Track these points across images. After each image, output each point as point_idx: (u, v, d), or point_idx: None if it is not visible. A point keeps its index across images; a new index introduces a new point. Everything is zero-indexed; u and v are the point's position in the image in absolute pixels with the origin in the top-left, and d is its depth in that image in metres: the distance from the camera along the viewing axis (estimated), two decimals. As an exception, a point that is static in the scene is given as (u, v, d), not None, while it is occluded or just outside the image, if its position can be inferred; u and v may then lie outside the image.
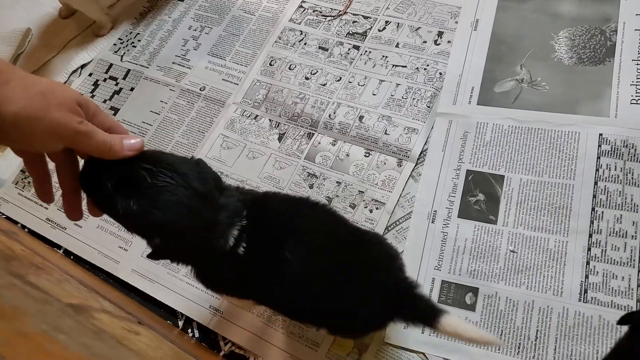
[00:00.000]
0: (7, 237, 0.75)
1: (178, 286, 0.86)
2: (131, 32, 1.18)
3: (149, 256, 0.55)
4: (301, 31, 1.07)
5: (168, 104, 1.06)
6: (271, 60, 1.06)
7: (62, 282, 0.63)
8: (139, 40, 1.16)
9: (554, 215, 0.76)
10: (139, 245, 0.91)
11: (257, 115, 1.00)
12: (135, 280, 0.88)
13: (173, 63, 1.11)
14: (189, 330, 0.82)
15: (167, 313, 0.85)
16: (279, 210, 0.62)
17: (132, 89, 1.10)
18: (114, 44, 1.17)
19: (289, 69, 1.04)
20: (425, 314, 0.59)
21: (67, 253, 0.93)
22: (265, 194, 0.66)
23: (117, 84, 1.11)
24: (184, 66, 1.10)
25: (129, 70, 1.12)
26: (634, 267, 0.70)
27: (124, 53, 1.15)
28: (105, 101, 1.10)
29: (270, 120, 0.99)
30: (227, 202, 0.57)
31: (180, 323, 0.84)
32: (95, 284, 0.81)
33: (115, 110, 1.08)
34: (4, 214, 1.01)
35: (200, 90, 1.06)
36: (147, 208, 0.51)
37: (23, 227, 0.98)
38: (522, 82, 0.90)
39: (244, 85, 1.04)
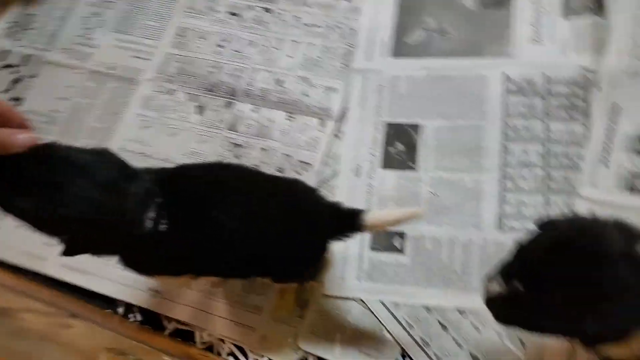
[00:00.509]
0: None
1: (114, 273, 0.83)
2: (24, 14, 1.09)
3: (64, 253, 0.53)
4: (208, -2, 1.04)
5: (76, 88, 1.00)
6: (182, 32, 1.02)
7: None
8: (35, 22, 1.08)
9: (468, 155, 0.80)
10: (66, 238, 0.87)
11: (172, 90, 0.97)
12: (67, 274, 0.84)
13: (76, 44, 1.04)
14: (130, 316, 0.81)
15: (106, 303, 0.82)
16: (195, 177, 0.62)
17: (33, 76, 1.02)
18: (7, 28, 1.08)
19: (201, 38, 1.00)
20: (350, 222, 0.61)
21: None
22: (178, 167, 0.65)
23: (17, 72, 1.03)
24: (89, 46, 1.03)
25: (28, 56, 1.04)
26: (542, 194, 0.76)
27: (20, 38, 1.07)
28: (6, 91, 1.02)
29: (188, 93, 0.96)
30: (136, 186, 0.55)
31: (121, 310, 0.82)
32: (20, 285, 0.77)
33: (19, 100, 1.01)
34: None
35: (109, 69, 1.00)
36: (47, 205, 0.49)
37: None
38: (431, 30, 0.92)
39: (156, 60, 1.00)
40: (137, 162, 0.87)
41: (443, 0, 0.94)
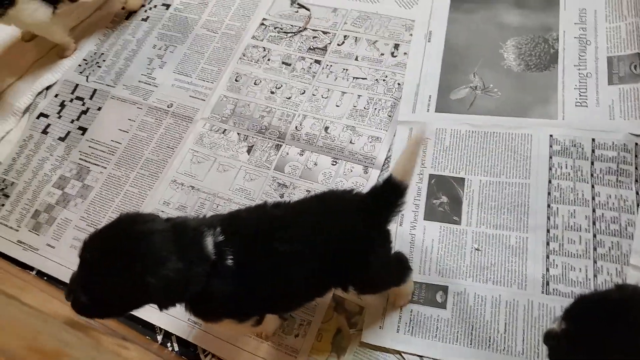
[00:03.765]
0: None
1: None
2: (95, 53, 1.12)
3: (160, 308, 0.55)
4: (264, 47, 1.04)
5: (136, 122, 1.00)
6: (237, 76, 1.02)
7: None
8: (104, 60, 1.10)
9: (513, 213, 0.76)
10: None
11: (225, 130, 0.96)
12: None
13: (139, 82, 1.05)
14: (168, 345, 0.77)
15: (145, 328, 0.79)
16: (250, 216, 0.63)
17: (99, 109, 1.03)
18: (79, 65, 1.11)
19: (255, 84, 1.00)
20: (385, 188, 0.61)
21: (41, 274, 0.87)
22: (231, 212, 0.66)
23: (83, 104, 1.05)
24: (150, 84, 1.04)
25: (95, 90, 1.06)
26: (589, 258, 0.70)
27: (90, 73, 1.09)
28: (72, 121, 1.03)
29: (238, 133, 0.95)
30: (194, 241, 0.56)
31: (159, 337, 0.78)
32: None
33: (84, 130, 1.01)
34: (-29, 239, 0.93)
35: (167, 107, 1.01)
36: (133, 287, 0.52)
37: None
38: (476, 89, 0.89)
39: (211, 101, 1.00)
40: (187, 194, 0.87)
41: (488, 60, 0.91)
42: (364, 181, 0.85)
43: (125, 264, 0.52)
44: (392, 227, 0.78)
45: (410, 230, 0.78)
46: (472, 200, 0.78)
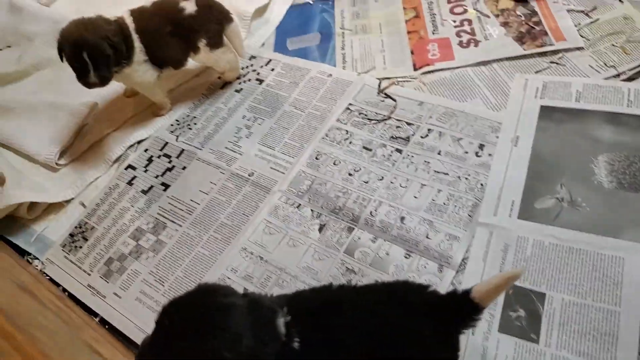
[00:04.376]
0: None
1: None
2: (188, 115, 1.21)
3: None
4: (347, 130, 1.09)
5: (217, 186, 1.05)
6: (317, 155, 1.06)
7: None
8: (195, 124, 1.18)
9: (599, 341, 0.71)
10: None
11: (300, 205, 0.99)
12: None
13: (225, 148, 1.11)
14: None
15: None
16: (315, 296, 0.64)
17: (184, 168, 1.10)
18: (171, 124, 1.20)
19: (334, 164, 1.03)
20: (463, 303, 0.60)
21: (103, 322, 0.89)
22: (297, 292, 0.68)
23: (170, 162, 1.12)
24: (235, 152, 1.10)
25: (182, 150, 1.13)
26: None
27: (180, 134, 1.17)
28: (157, 176, 1.10)
29: (312, 210, 0.97)
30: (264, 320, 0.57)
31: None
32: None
33: (166, 187, 1.07)
34: (48, 276, 0.97)
35: (248, 175, 1.05)
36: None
37: (64, 290, 0.95)
38: (563, 200, 0.88)
39: (290, 174, 1.04)
40: (254, 264, 0.88)
41: (577, 173, 0.90)
42: (437, 280, 0.83)
43: (204, 336, 0.53)
44: (464, 336, 0.76)
45: (482, 342, 0.75)
46: (552, 319, 0.75)
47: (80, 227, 1.04)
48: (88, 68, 0.98)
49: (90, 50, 0.97)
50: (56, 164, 1.14)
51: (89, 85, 1.01)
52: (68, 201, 1.10)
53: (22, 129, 1.21)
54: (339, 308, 0.61)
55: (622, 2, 1.16)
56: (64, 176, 1.14)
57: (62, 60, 1.01)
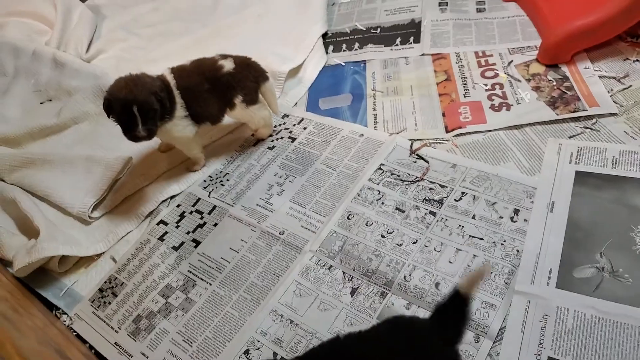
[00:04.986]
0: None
1: None
2: (221, 172, 1.24)
3: None
4: (379, 191, 1.10)
5: (247, 244, 1.06)
6: (349, 214, 1.07)
7: None
8: (228, 180, 1.21)
9: None
10: (202, 388, 0.85)
11: (331, 266, 0.99)
12: None
13: (257, 205, 1.14)
14: None
15: None
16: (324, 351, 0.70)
17: (215, 225, 1.12)
18: (204, 180, 1.23)
19: (366, 225, 1.04)
20: (453, 298, 0.69)
21: (128, 384, 0.89)
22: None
23: (202, 218, 1.14)
24: (266, 209, 1.12)
25: (214, 206, 1.16)
26: None
27: (212, 190, 1.20)
28: (188, 233, 1.12)
29: (344, 272, 0.97)
30: None
31: None
32: None
33: (197, 243, 1.09)
34: (75, 331, 0.98)
35: (279, 234, 1.07)
36: None
37: (91, 347, 0.95)
38: (603, 270, 0.86)
39: (322, 234, 1.05)
40: (284, 327, 0.88)
41: (617, 242, 0.89)
42: (473, 350, 0.82)
43: None
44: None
45: (526, 421, 0.72)
46: (600, 399, 0.72)
47: (109, 282, 1.06)
48: (137, 122, 1.02)
49: (140, 105, 1.01)
50: (89, 216, 1.18)
51: (136, 139, 1.05)
52: (99, 255, 1.12)
53: (58, 180, 1.25)
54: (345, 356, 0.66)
55: (654, 69, 1.18)
56: (96, 230, 1.17)
57: (108, 116, 1.06)
